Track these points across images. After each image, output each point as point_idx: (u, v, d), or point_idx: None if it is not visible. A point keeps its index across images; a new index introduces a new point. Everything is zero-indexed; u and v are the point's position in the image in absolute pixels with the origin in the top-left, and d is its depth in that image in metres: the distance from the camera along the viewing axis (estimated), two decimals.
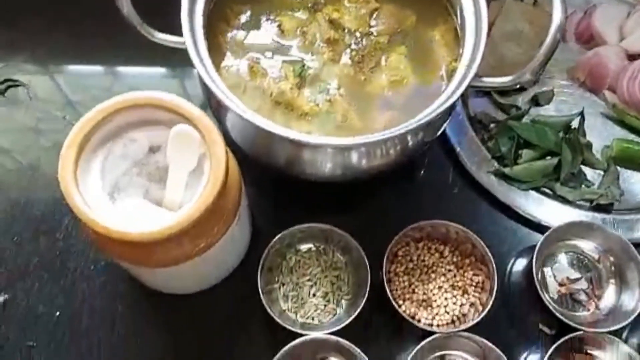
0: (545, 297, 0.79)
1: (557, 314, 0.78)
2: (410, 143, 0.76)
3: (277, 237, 0.79)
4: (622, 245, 0.81)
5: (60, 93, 0.96)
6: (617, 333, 0.78)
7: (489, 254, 0.80)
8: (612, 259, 0.84)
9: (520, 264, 0.85)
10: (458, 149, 0.91)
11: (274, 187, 0.89)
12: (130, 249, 0.62)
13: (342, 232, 0.80)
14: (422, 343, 0.75)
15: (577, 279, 0.84)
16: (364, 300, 0.77)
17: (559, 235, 0.83)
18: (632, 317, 0.77)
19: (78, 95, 0.95)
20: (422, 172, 0.94)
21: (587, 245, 0.85)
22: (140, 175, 0.67)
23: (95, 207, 0.60)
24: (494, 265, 0.79)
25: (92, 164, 0.62)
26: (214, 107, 0.77)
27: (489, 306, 0.77)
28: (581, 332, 0.76)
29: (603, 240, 0.84)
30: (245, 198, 0.74)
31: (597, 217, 0.87)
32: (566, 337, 0.76)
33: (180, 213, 0.59)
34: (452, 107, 0.75)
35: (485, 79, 0.77)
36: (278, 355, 0.74)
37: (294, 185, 0.83)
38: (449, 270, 0.83)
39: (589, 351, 0.79)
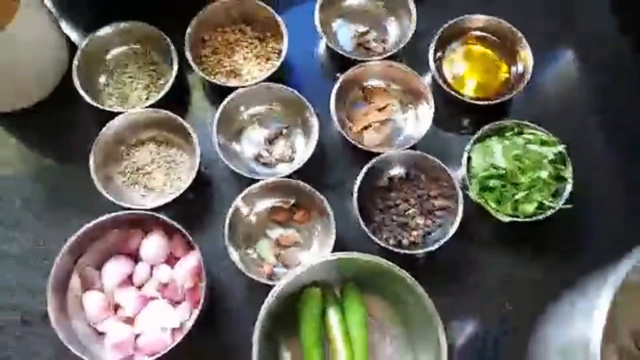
0: (331, 44, 0.91)
1: (347, 54, 0.91)
2: None
3: (91, 35, 0.89)
4: None
5: None
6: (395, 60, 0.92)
7: (284, 27, 0.91)
8: (381, 2, 0.97)
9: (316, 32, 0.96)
10: None
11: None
12: None
13: (151, 28, 0.90)
14: (230, 96, 0.86)
15: (367, 32, 0.96)
16: (171, 80, 0.88)
17: None
18: (405, 43, 0.90)
19: None
20: None
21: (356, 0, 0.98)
22: None
23: None
24: (286, 32, 0.90)
25: None
26: None
27: (282, 58, 0.89)
28: (363, 62, 0.89)
29: None
30: None
31: None
32: (351, 69, 0.88)
33: None
34: None
35: None
36: (101, 135, 0.83)
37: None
38: (252, 44, 0.93)
39: (371, 84, 0.92)
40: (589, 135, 0.93)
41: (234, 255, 0.79)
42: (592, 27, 1.01)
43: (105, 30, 0.89)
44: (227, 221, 0.80)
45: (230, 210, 0.80)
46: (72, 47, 0.93)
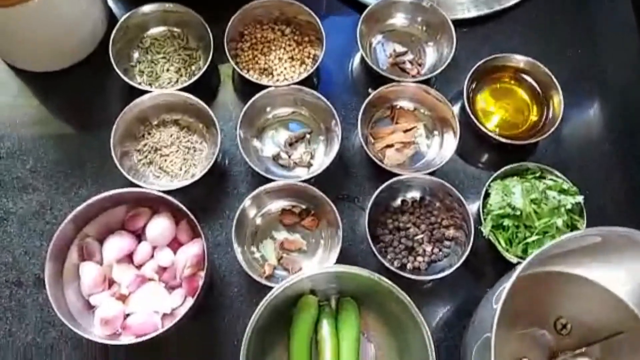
0: (367, 59, 0.90)
1: (381, 72, 0.90)
2: None
3: (133, 10, 0.89)
4: (429, 8, 0.94)
5: None
6: (429, 84, 0.91)
7: (323, 31, 0.90)
8: (424, 26, 0.96)
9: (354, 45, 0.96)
10: None
11: None
12: None
13: (194, 13, 0.89)
14: (260, 93, 0.85)
15: (404, 52, 0.96)
16: (204, 67, 0.87)
17: (377, 13, 0.94)
18: (440, 69, 0.90)
19: None
20: None
21: (400, 20, 0.97)
22: None
23: None
24: (324, 35, 0.90)
25: None
26: None
27: (317, 63, 0.89)
28: (397, 82, 0.89)
29: (413, 12, 0.96)
30: None
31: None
32: (384, 87, 0.88)
33: None
34: None
35: None
36: (126, 110, 0.83)
37: None
38: (289, 45, 0.93)
39: (400, 105, 0.92)
40: (608, 186, 0.91)
41: (238, 252, 0.78)
42: (623, 80, 1.00)
43: (148, 8, 0.90)
44: (236, 217, 0.79)
45: (240, 207, 0.80)
46: (112, 18, 0.93)
